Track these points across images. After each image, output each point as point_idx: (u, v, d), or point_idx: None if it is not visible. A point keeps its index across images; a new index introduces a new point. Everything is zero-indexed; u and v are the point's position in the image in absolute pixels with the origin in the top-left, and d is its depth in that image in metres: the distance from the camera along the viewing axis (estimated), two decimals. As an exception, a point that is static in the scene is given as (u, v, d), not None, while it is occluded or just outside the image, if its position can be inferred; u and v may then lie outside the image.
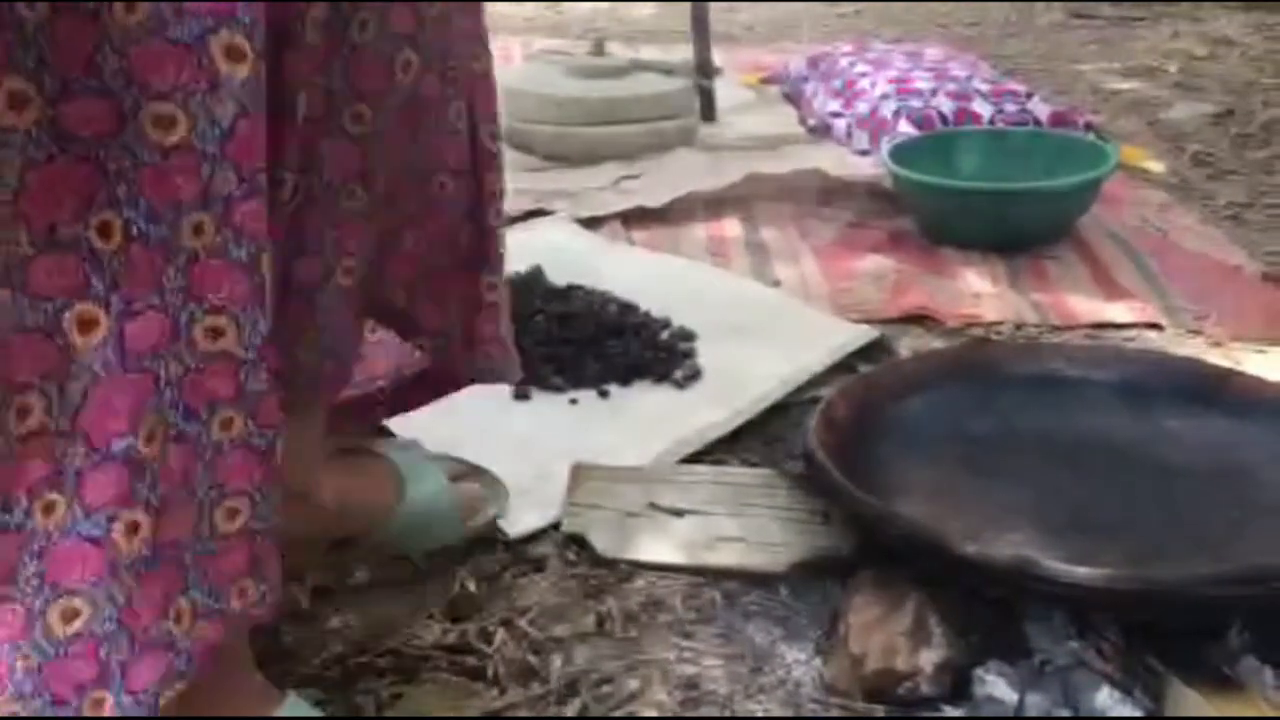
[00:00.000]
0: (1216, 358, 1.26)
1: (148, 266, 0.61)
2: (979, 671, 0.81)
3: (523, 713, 0.83)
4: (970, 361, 1.18)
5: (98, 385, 0.60)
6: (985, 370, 1.16)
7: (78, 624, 0.61)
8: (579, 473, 1.06)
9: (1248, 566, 0.83)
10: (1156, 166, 1.99)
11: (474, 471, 1.02)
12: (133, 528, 0.62)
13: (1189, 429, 1.07)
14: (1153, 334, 1.39)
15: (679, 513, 1.02)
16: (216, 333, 0.63)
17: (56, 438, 0.60)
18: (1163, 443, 1.06)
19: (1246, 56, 2.76)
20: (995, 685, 0.80)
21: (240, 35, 0.60)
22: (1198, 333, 1.38)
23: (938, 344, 1.36)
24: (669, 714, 0.83)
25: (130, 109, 0.60)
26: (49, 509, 0.60)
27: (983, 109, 1.99)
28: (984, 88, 2.06)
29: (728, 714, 0.82)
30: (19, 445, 0.59)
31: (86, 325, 0.60)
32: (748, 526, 0.99)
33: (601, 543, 0.99)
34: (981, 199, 1.65)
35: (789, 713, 0.82)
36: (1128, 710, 0.77)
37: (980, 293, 1.50)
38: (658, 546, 0.99)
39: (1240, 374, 1.15)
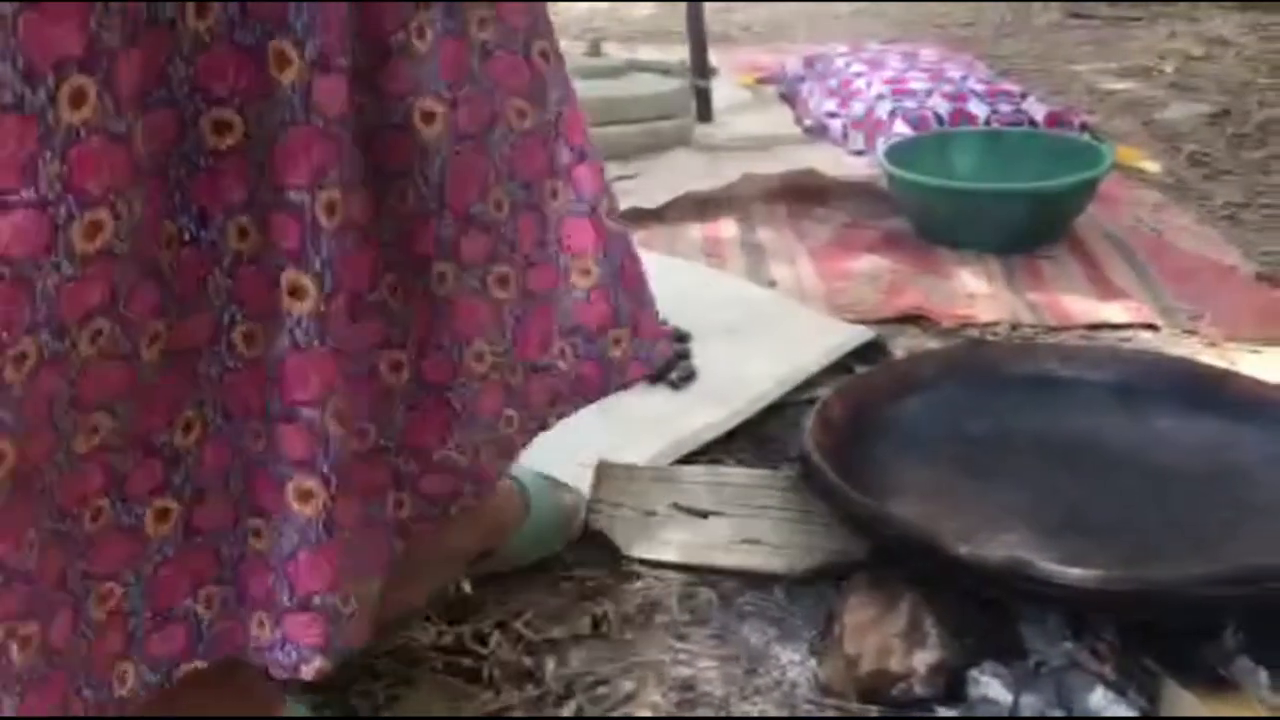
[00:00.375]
0: (1211, 358, 1.26)
1: (196, 269, 0.62)
2: (973, 672, 0.81)
3: (518, 714, 0.83)
4: (966, 362, 1.18)
5: (150, 388, 0.61)
6: (981, 371, 1.16)
7: (112, 603, 0.63)
8: (603, 470, 1.06)
9: (1242, 567, 0.83)
10: (1152, 167, 1.99)
11: (559, 484, 1.03)
12: (163, 514, 0.64)
13: (1184, 430, 1.07)
14: (1148, 334, 1.39)
15: (703, 514, 1.02)
16: (250, 339, 0.64)
17: (113, 452, 0.61)
18: (1158, 444, 1.06)
19: (1242, 56, 2.76)
20: (990, 686, 0.80)
21: (289, 41, 0.60)
22: (1193, 333, 1.39)
23: (933, 344, 1.36)
24: (664, 715, 0.83)
25: (191, 117, 0.60)
26: (96, 514, 0.62)
27: (978, 109, 1.99)
28: (979, 88, 2.06)
29: (723, 715, 0.83)
30: (81, 463, 0.60)
31: (153, 340, 0.61)
32: (772, 529, 0.99)
33: (624, 541, 0.99)
34: (977, 199, 1.65)
35: (784, 714, 0.82)
36: (1122, 711, 0.77)
37: (976, 293, 1.50)
38: (681, 546, 0.99)
39: (1235, 375, 1.15)
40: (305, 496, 0.64)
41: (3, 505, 0.55)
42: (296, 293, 0.63)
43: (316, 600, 0.66)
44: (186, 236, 0.61)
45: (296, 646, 0.66)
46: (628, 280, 0.83)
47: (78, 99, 0.53)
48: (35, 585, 0.58)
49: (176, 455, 0.64)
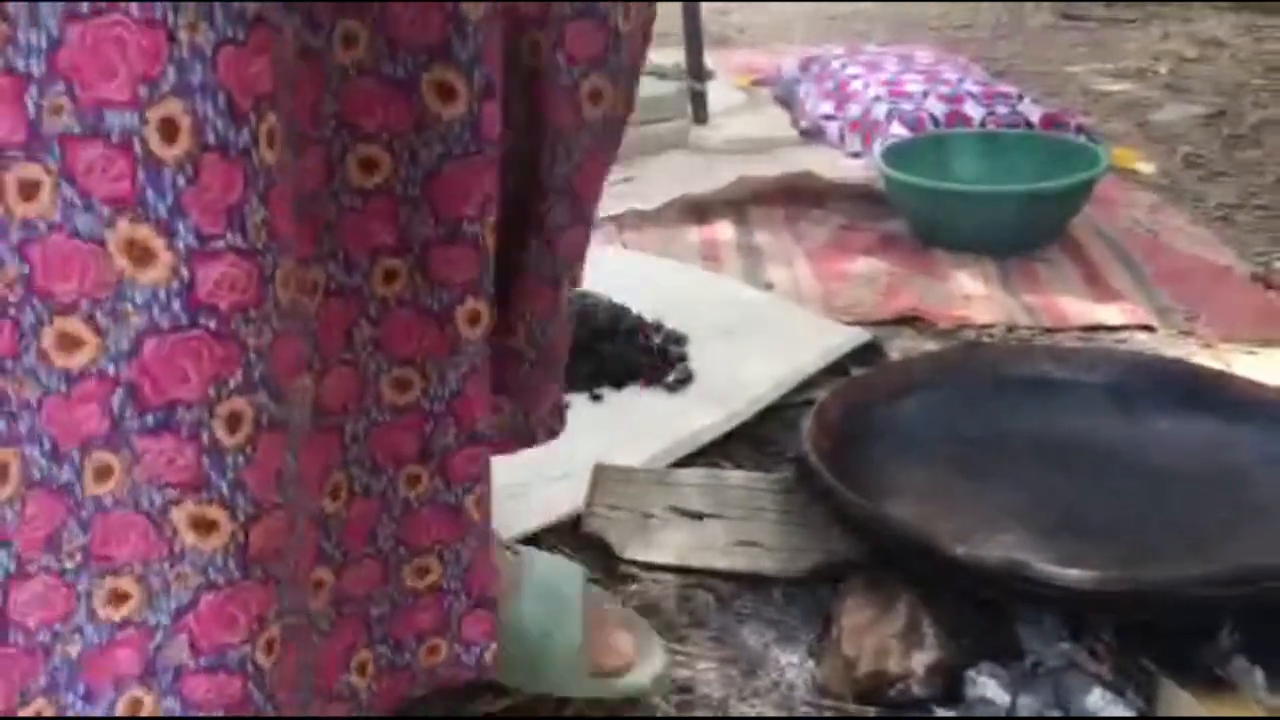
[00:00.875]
0: (1207, 359, 1.27)
1: (341, 319, 0.59)
2: (971, 673, 0.81)
3: (517, 715, 0.83)
4: (962, 364, 1.18)
5: (301, 452, 0.56)
6: (977, 372, 1.16)
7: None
8: (600, 473, 1.06)
9: (1238, 567, 0.83)
10: (1147, 168, 1.99)
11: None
12: (318, 586, 0.61)
13: (1180, 431, 1.07)
14: (1144, 335, 1.39)
15: (699, 516, 1.02)
16: (401, 386, 0.62)
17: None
18: (1154, 444, 1.06)
19: (1236, 58, 2.77)
20: (987, 687, 0.80)
21: (454, 72, 0.57)
22: (1189, 334, 1.39)
23: (930, 346, 1.37)
24: (662, 716, 0.83)
25: (338, 155, 0.57)
26: (318, 587, 0.61)
27: (974, 111, 1.99)
28: (975, 90, 2.06)
29: (721, 716, 0.83)
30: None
31: (303, 399, 0.57)
32: (768, 531, 0.99)
33: (620, 544, 0.99)
34: (973, 201, 1.65)
35: (782, 715, 0.83)
36: (1119, 711, 0.77)
37: (972, 295, 1.50)
38: (677, 549, 0.99)
39: (1231, 375, 1.15)
40: (479, 504, 0.65)
41: (228, 594, 0.51)
42: (473, 320, 0.61)
43: (489, 595, 0.67)
44: (332, 285, 0.58)
45: (475, 646, 0.67)
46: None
47: (272, 138, 0.49)
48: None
49: (325, 522, 0.61)
